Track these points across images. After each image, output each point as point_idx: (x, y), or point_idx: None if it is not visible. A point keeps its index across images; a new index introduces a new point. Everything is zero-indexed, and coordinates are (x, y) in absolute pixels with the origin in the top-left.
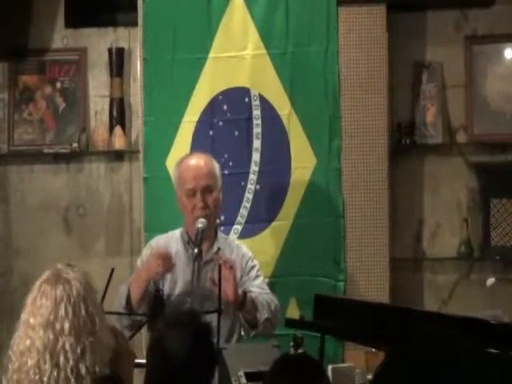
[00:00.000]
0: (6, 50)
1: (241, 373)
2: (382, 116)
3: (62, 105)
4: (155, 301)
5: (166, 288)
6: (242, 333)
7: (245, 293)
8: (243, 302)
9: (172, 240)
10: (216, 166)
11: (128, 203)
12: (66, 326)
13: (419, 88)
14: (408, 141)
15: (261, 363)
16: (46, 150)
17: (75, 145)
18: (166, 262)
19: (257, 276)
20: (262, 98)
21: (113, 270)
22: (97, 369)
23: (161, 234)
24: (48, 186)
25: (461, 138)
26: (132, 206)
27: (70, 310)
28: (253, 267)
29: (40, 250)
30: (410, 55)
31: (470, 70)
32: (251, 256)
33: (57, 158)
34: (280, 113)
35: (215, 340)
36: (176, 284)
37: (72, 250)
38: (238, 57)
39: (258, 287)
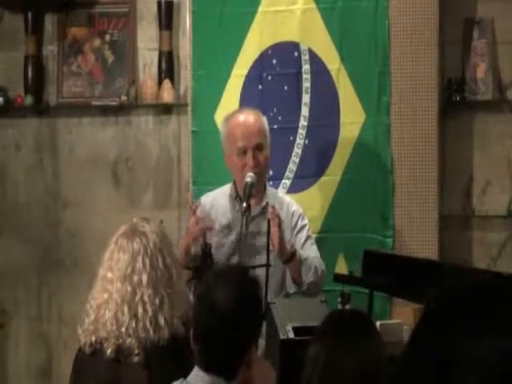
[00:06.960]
0: (55, 2)
1: (289, 327)
2: (432, 72)
3: (110, 58)
4: (203, 255)
5: (214, 243)
6: (289, 290)
7: (294, 249)
8: (291, 257)
9: (220, 196)
10: (265, 123)
11: (176, 156)
12: (144, 277)
13: (470, 44)
14: (458, 97)
15: (309, 318)
16: (94, 103)
17: (124, 98)
18: (203, 224)
19: (308, 237)
20: (311, 53)
21: (161, 221)
22: (175, 320)
23: (208, 187)
24: (96, 138)
25: (511, 94)
26: (180, 160)
27: (147, 261)
28: (303, 227)
29: (88, 202)
30: (461, 11)
31: None
32: (302, 214)
33: (105, 110)
34: (329, 67)
35: (263, 294)
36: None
37: (120, 202)
38: (287, 11)
39: (308, 249)
